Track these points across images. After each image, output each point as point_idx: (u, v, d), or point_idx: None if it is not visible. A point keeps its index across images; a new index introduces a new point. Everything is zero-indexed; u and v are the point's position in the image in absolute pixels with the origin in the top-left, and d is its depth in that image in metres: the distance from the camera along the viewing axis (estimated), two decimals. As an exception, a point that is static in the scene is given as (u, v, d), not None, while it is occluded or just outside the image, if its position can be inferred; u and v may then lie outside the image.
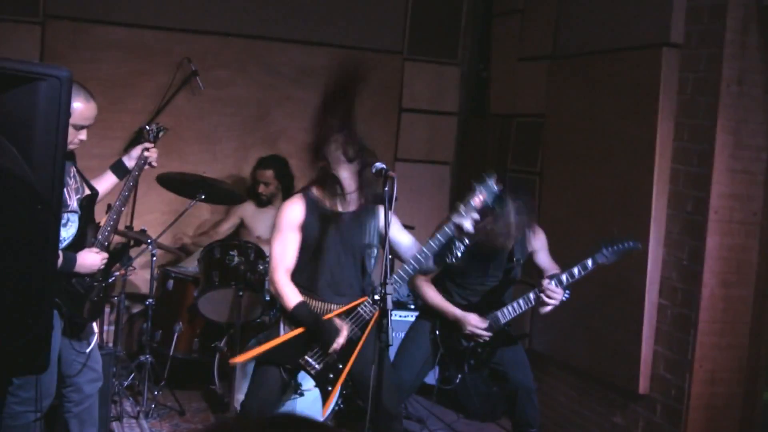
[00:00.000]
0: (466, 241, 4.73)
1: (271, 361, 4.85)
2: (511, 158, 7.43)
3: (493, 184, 4.69)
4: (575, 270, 5.27)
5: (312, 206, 4.86)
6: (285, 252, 4.84)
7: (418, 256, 4.69)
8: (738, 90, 5.37)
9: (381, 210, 4.97)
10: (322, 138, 4.91)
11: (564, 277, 5.27)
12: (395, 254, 5.07)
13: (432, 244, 4.67)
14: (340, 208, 4.92)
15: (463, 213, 4.63)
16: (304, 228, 4.85)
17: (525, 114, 7.32)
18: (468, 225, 4.62)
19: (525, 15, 7.40)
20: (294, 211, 4.87)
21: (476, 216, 4.66)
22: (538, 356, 6.76)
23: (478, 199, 4.66)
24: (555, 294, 5.23)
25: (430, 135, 8.36)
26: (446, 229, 4.67)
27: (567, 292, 5.30)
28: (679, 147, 5.65)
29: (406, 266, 4.71)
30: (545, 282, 5.25)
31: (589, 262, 5.25)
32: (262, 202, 7.30)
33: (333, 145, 4.84)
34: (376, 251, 5.01)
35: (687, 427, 5.52)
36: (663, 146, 5.67)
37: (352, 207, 4.95)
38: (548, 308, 5.30)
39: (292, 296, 4.78)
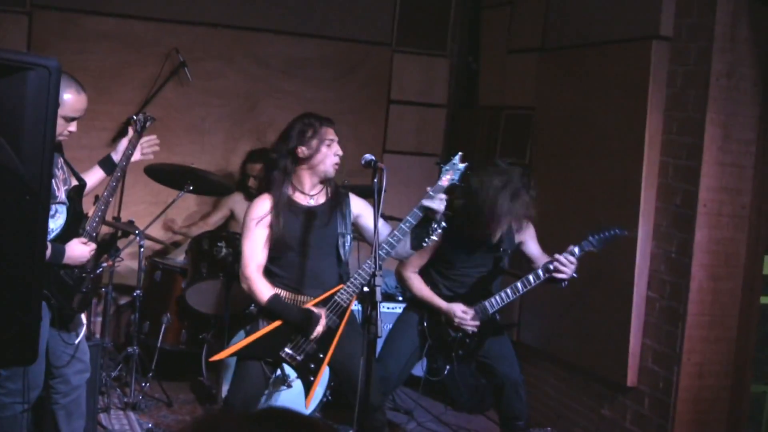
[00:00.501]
0: (443, 223, 4.74)
1: (252, 355, 4.87)
2: (500, 150, 7.43)
3: (458, 163, 4.72)
4: (562, 257, 5.24)
5: (280, 202, 4.88)
6: (255, 249, 4.87)
7: (390, 239, 4.71)
8: (727, 83, 5.37)
9: (352, 199, 5.07)
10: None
11: (550, 266, 5.26)
12: (366, 240, 5.10)
13: (403, 226, 4.69)
14: (308, 202, 4.95)
15: (431, 194, 4.65)
16: (274, 224, 4.87)
17: (514, 106, 7.32)
18: (436, 205, 4.64)
19: (514, 7, 7.39)
20: (262, 208, 4.89)
21: (443, 196, 4.68)
22: (527, 348, 6.77)
23: (445, 179, 4.70)
24: (567, 264, 5.20)
25: (419, 127, 8.36)
26: (416, 210, 4.68)
27: (575, 275, 5.28)
28: (668, 140, 5.65)
29: (379, 251, 4.72)
30: (555, 255, 5.23)
31: (576, 250, 5.24)
32: (252, 196, 7.26)
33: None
34: (349, 239, 5.04)
35: (675, 420, 5.53)
36: (652, 139, 5.68)
37: (321, 199, 4.99)
38: (564, 278, 5.26)
39: (264, 290, 4.82)
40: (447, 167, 4.75)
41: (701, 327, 5.49)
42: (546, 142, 6.79)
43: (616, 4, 6.03)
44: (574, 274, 5.23)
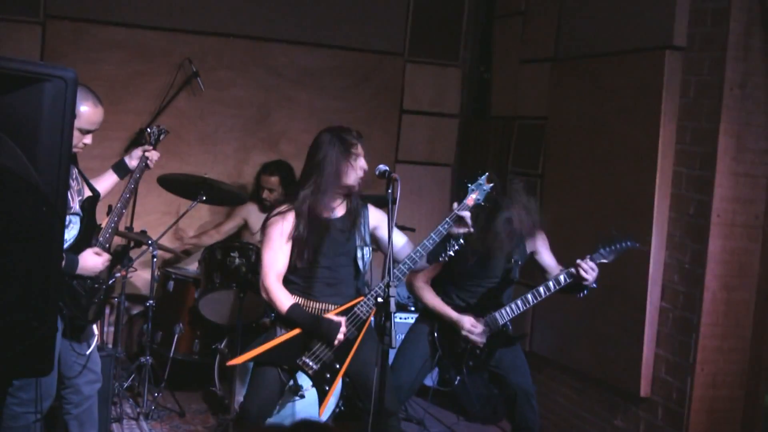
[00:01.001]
0: (461, 241, 4.77)
1: (269, 362, 4.88)
2: (513, 160, 7.42)
3: (485, 183, 4.77)
4: (584, 264, 5.21)
5: (301, 214, 4.87)
6: (275, 259, 4.88)
7: (413, 255, 4.75)
8: (741, 93, 5.36)
9: (371, 211, 5.09)
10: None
11: (562, 278, 5.24)
12: (383, 251, 5.10)
13: (426, 243, 4.73)
14: (329, 214, 4.95)
15: (457, 213, 4.70)
16: (295, 236, 4.87)
17: (526, 116, 7.31)
18: (462, 229, 4.70)
19: (527, 17, 7.39)
20: (284, 222, 4.89)
21: (468, 214, 4.71)
22: (539, 358, 6.76)
23: (471, 199, 4.75)
24: (589, 271, 5.17)
25: (431, 137, 8.36)
26: (440, 228, 4.71)
27: (595, 284, 5.26)
28: (681, 150, 5.64)
29: (401, 265, 4.75)
30: (578, 261, 5.20)
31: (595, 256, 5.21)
32: (266, 208, 7.26)
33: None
34: (369, 251, 5.05)
35: (688, 430, 5.51)
36: (665, 149, 5.67)
37: (340, 212, 5.00)
38: (586, 284, 5.24)
39: (284, 300, 4.83)
40: (473, 187, 4.78)
41: (714, 337, 5.48)
42: (558, 152, 6.78)
43: (629, 13, 6.02)
44: (594, 284, 5.21)
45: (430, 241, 4.73)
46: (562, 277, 5.24)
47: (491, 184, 4.82)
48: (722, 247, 5.43)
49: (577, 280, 5.18)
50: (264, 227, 5.00)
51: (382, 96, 8.12)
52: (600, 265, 5.21)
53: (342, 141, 4.90)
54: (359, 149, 4.94)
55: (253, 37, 7.64)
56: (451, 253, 4.81)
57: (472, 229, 4.80)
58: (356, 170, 4.91)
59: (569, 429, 6.57)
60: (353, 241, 4.99)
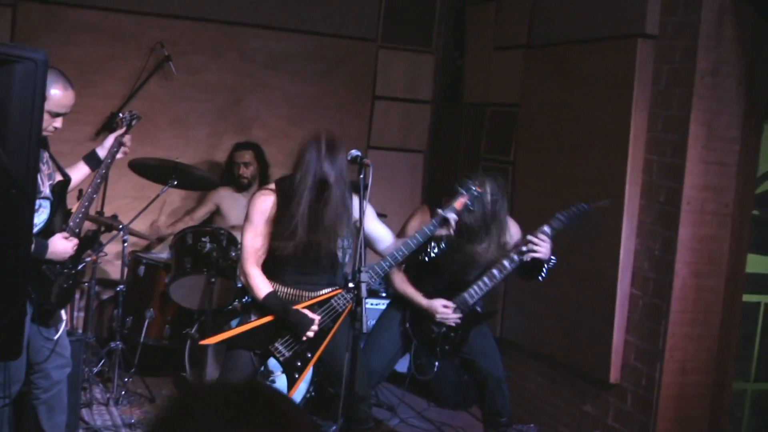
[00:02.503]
0: (443, 244, 4.79)
1: (242, 345, 4.88)
2: (485, 147, 7.43)
3: (474, 188, 4.78)
4: (534, 237, 5.22)
5: (284, 198, 4.85)
6: (256, 242, 4.87)
7: (396, 254, 4.76)
8: (712, 81, 5.39)
9: (354, 201, 5.01)
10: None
11: (523, 247, 5.25)
12: (370, 245, 5.08)
13: (410, 243, 4.75)
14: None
15: (443, 215, 4.71)
16: (276, 220, 4.84)
17: (499, 103, 7.32)
18: (449, 228, 4.73)
19: (500, 3, 7.39)
20: (266, 202, 4.88)
21: (455, 218, 4.73)
22: (510, 344, 6.78)
23: (459, 202, 4.76)
24: (540, 243, 5.19)
25: (404, 123, 8.35)
26: (426, 229, 4.72)
27: (553, 258, 5.29)
28: (653, 138, 5.67)
29: (382, 262, 4.75)
30: (528, 236, 5.22)
31: (546, 229, 5.23)
32: (244, 186, 7.22)
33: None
34: (349, 243, 5.02)
35: (657, 416, 5.55)
36: (637, 137, 5.69)
37: None
38: (539, 255, 5.25)
39: (262, 286, 4.82)
40: (462, 190, 4.79)
41: (684, 324, 5.51)
42: (531, 139, 6.79)
43: (602, 1, 6.03)
44: (553, 259, 5.23)
45: (414, 242, 4.74)
46: (514, 255, 5.26)
47: (482, 191, 4.83)
48: (692, 235, 5.46)
49: (529, 254, 5.20)
50: (247, 207, 4.98)
51: (355, 82, 8.11)
52: (560, 232, 5.23)
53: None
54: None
55: (226, 22, 7.60)
56: (432, 254, 4.84)
57: (452, 232, 4.82)
58: None
59: (539, 415, 6.60)
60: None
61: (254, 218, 4.87)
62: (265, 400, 1.64)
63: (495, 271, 5.33)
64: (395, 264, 4.78)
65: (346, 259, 5.04)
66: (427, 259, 4.88)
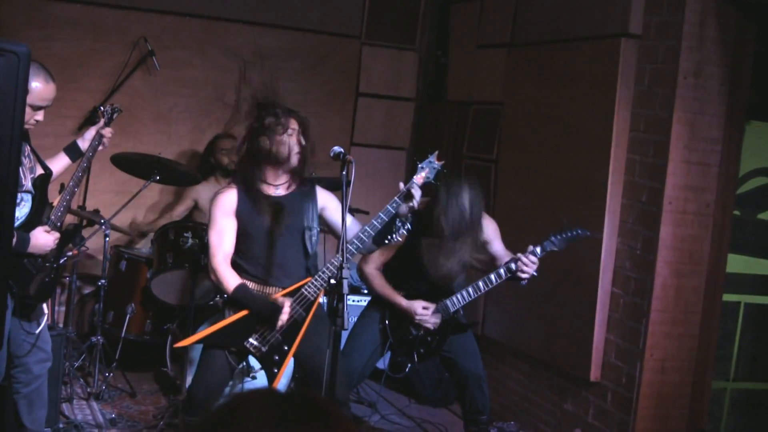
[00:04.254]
0: (408, 225, 4.78)
1: (217, 344, 4.88)
2: (468, 145, 7.44)
3: (434, 161, 4.79)
4: (524, 258, 5.26)
5: (245, 193, 4.87)
6: (221, 239, 4.86)
7: (361, 235, 4.74)
8: (695, 82, 5.41)
9: (318, 191, 5.06)
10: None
11: (513, 266, 5.27)
12: (334, 234, 5.11)
13: (375, 223, 4.72)
14: (274, 192, 4.93)
15: (406, 190, 4.69)
16: (240, 215, 4.86)
17: (482, 101, 7.33)
18: (411, 203, 4.70)
19: (484, 2, 7.39)
20: (228, 199, 4.88)
21: (418, 192, 4.71)
22: (491, 343, 6.79)
23: (420, 177, 4.75)
24: (529, 264, 5.22)
25: (387, 120, 8.35)
26: (389, 207, 4.70)
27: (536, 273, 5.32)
28: (635, 137, 5.69)
29: (348, 245, 4.73)
30: (518, 255, 5.25)
31: (537, 250, 5.25)
32: (228, 173, 7.13)
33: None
34: (316, 232, 5.03)
35: (637, 415, 5.57)
36: (619, 136, 5.71)
37: (284, 191, 4.97)
38: (525, 278, 5.29)
39: (231, 280, 4.82)
40: (423, 165, 4.79)
41: (664, 323, 5.54)
42: (513, 138, 6.81)
43: (585, 0, 6.05)
44: (535, 273, 5.25)
45: (379, 220, 4.72)
46: (502, 271, 5.28)
47: (441, 162, 4.83)
48: (673, 235, 5.48)
49: (517, 273, 5.24)
50: (209, 208, 4.99)
51: (338, 78, 8.10)
52: (551, 253, 5.26)
53: (270, 117, 4.87)
54: (291, 124, 4.88)
55: (209, 17, 7.58)
56: (398, 237, 4.82)
57: (416, 206, 4.79)
58: (289, 146, 4.87)
59: (520, 412, 6.62)
60: (300, 221, 4.96)
61: (217, 217, 4.87)
62: (316, 405, 1.63)
63: (480, 283, 5.34)
64: (361, 246, 4.77)
65: (314, 249, 5.04)
66: (392, 239, 4.87)
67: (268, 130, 4.84)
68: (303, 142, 4.90)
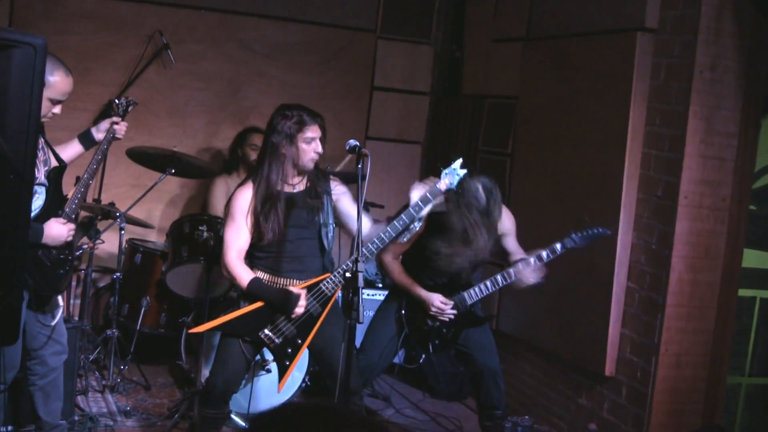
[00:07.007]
0: (418, 225, 4.81)
1: (231, 333, 4.91)
2: (483, 139, 7.43)
3: (458, 169, 4.78)
4: (543, 254, 5.31)
5: (263, 189, 4.87)
6: (237, 236, 4.89)
7: (383, 236, 4.74)
8: (711, 76, 5.39)
9: (334, 186, 5.08)
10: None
11: (532, 260, 5.30)
12: (346, 228, 5.15)
13: (397, 224, 4.74)
14: (289, 189, 4.94)
15: (429, 196, 4.71)
16: (257, 211, 4.87)
17: (497, 95, 7.32)
18: (429, 208, 4.75)
19: (500, -4, 7.38)
20: (245, 195, 4.90)
21: (441, 199, 4.78)
22: (506, 337, 6.78)
23: (443, 183, 4.76)
24: (526, 273, 5.29)
25: (402, 114, 8.35)
26: (412, 210, 4.72)
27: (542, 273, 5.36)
28: (651, 132, 5.67)
29: (369, 245, 4.74)
30: (519, 264, 5.31)
31: (558, 246, 5.28)
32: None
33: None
34: (332, 228, 5.06)
35: (651, 410, 5.56)
36: (635, 130, 5.69)
37: (301, 187, 4.99)
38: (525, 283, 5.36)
39: (245, 275, 4.85)
40: (447, 172, 4.80)
41: (679, 318, 5.52)
42: (528, 132, 6.79)
43: (601, -6, 6.03)
44: (540, 280, 5.32)
45: (401, 223, 4.74)
46: (498, 277, 5.42)
47: (465, 171, 4.84)
48: (689, 229, 5.46)
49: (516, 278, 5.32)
50: (226, 204, 5.02)
51: (354, 72, 8.10)
52: (568, 249, 5.28)
53: (293, 122, 4.88)
54: (312, 131, 4.89)
55: (224, 11, 7.58)
56: (409, 235, 4.86)
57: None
58: (307, 153, 4.88)
59: (534, 407, 6.61)
60: (316, 216, 4.99)
61: (235, 213, 4.89)
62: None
63: (499, 277, 5.38)
64: (381, 245, 4.79)
65: (331, 244, 5.08)
66: (405, 240, 4.91)
67: (290, 135, 4.85)
68: (321, 150, 4.91)
